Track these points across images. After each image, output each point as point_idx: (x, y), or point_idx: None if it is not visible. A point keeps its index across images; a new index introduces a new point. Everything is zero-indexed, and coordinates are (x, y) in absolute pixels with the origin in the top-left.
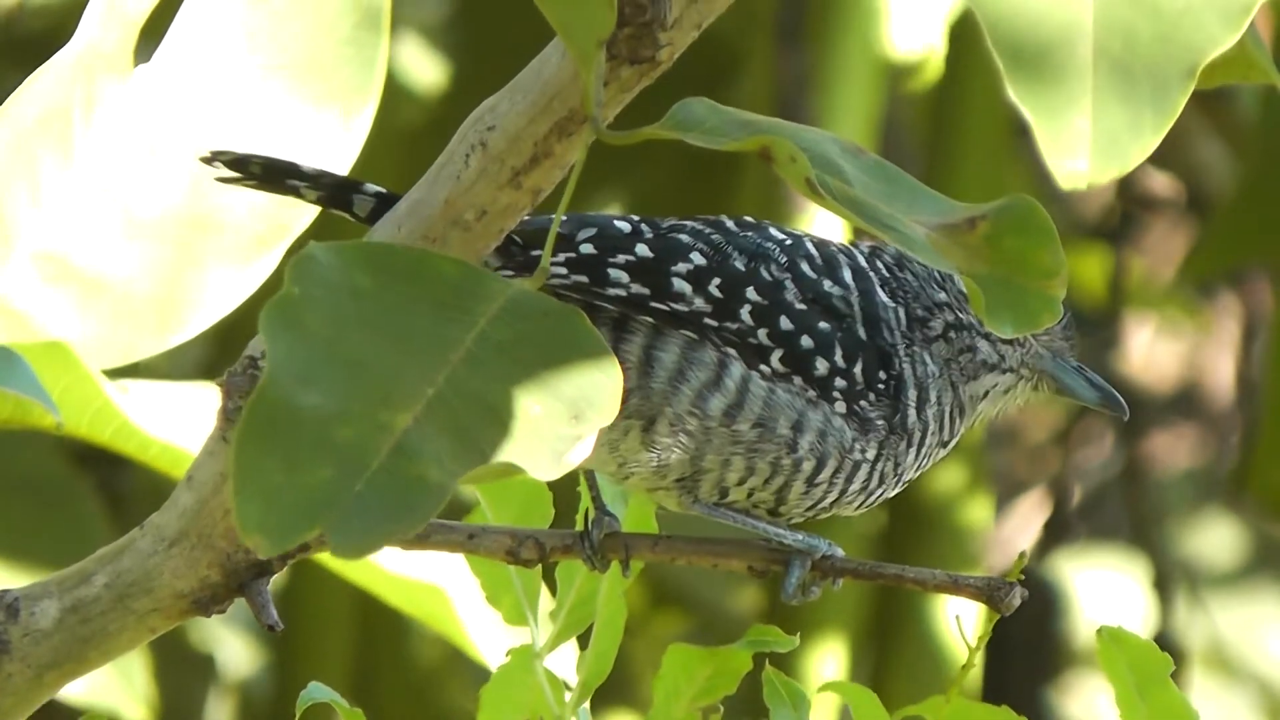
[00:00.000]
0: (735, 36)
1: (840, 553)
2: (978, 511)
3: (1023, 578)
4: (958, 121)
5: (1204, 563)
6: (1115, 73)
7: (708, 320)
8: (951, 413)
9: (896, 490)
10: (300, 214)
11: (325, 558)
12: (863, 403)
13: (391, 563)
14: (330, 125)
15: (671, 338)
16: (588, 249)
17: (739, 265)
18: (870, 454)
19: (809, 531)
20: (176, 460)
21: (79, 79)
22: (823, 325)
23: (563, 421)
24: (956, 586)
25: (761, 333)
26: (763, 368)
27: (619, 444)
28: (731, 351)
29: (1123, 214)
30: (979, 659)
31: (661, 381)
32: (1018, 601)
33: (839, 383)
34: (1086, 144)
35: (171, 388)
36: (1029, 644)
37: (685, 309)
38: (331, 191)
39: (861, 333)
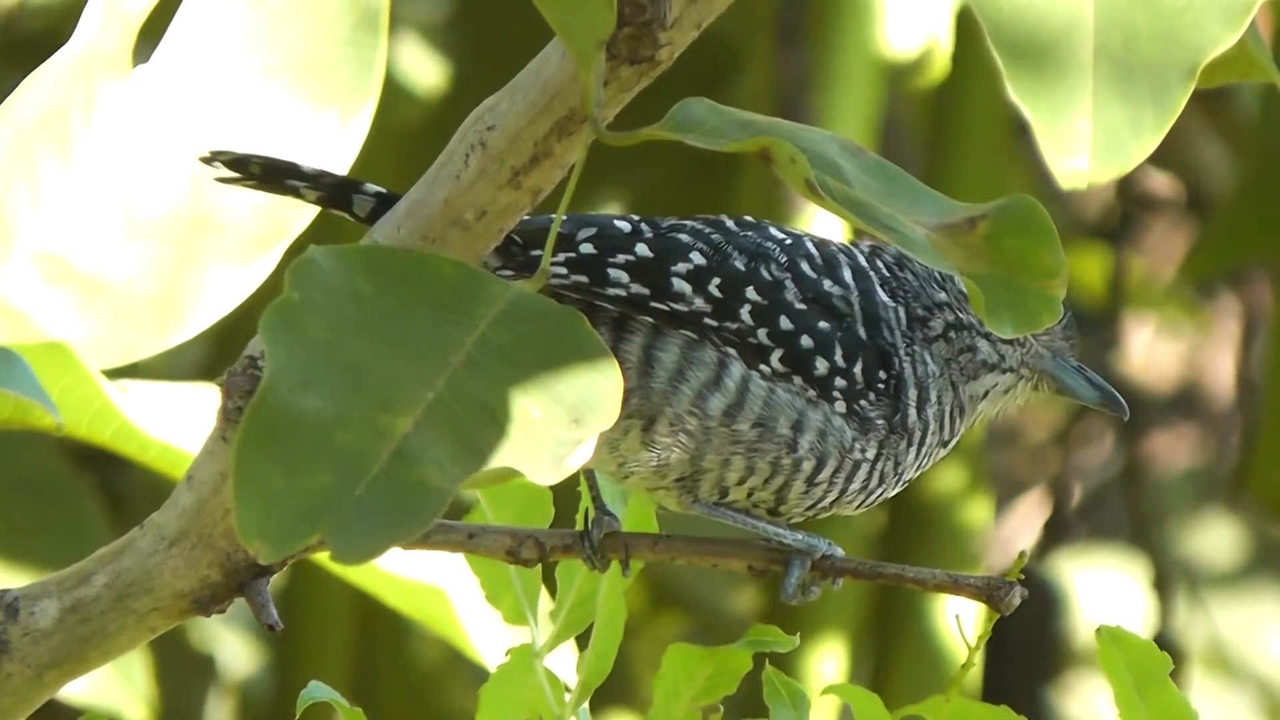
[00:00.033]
0: (735, 36)
1: (840, 552)
2: (978, 511)
3: (1022, 577)
4: (958, 121)
5: (1204, 563)
6: (1116, 72)
7: (708, 320)
8: (952, 412)
9: (897, 490)
10: (299, 214)
11: (325, 559)
12: (863, 402)
13: (391, 564)
14: (329, 125)
15: (671, 337)
16: (587, 249)
17: (739, 265)
18: (870, 453)
19: (809, 531)
20: (176, 460)
21: (78, 79)
22: (823, 325)
23: (563, 425)
24: (956, 586)
25: (761, 332)
26: (763, 367)
27: (619, 443)
28: (731, 351)
29: (1123, 214)
30: (979, 658)
31: (661, 381)
32: (1017, 601)
33: (839, 382)
34: (1087, 143)
35: (171, 388)
36: (1029, 644)
37: (685, 309)
38: (331, 191)
39: (861, 332)
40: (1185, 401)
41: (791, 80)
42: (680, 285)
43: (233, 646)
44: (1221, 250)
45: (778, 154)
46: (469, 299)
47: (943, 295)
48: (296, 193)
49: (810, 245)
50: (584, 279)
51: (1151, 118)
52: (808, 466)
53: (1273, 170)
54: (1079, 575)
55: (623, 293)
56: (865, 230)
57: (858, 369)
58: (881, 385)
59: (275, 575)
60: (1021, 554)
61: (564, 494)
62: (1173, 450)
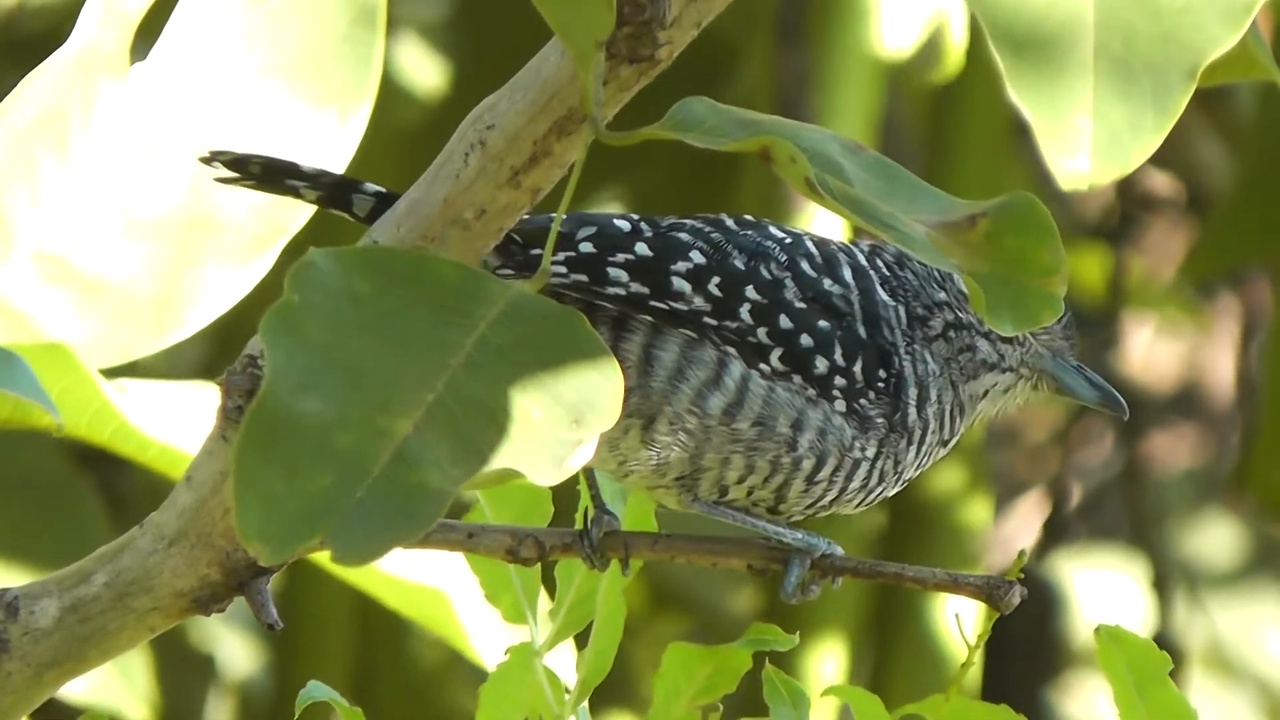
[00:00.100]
0: (734, 35)
1: (839, 551)
2: (977, 511)
3: (1022, 576)
4: (958, 121)
5: (1204, 563)
6: (1116, 72)
7: (707, 319)
8: (951, 411)
9: (896, 489)
10: (297, 213)
11: (325, 559)
12: (862, 401)
13: (391, 565)
14: (326, 123)
15: (671, 336)
16: (587, 248)
17: (738, 264)
18: (870, 452)
19: (808, 530)
20: (175, 460)
21: (76, 78)
22: (822, 324)
23: (563, 426)
24: (956, 585)
25: (761, 331)
26: (762, 366)
27: (619, 442)
28: (731, 350)
29: (1123, 214)
30: (978, 658)
31: (661, 380)
32: (1017, 600)
33: (839, 381)
34: (1087, 144)
35: (170, 387)
36: (1028, 643)
37: (685, 308)
38: (331, 191)
39: (861, 331)
40: (1185, 401)
41: (791, 79)
42: (680, 284)
43: (233, 646)
44: (1221, 250)
45: (778, 153)
46: (469, 299)
47: (942, 294)
48: (296, 193)
49: (810, 244)
50: (584, 278)
51: (1152, 118)
52: (807, 465)
53: (1272, 170)
54: (1078, 575)
55: (622, 292)
56: (865, 229)
57: (857, 368)
58: (881, 384)
59: (275, 575)
60: (1021, 553)
61: (563, 493)
62: (1173, 450)
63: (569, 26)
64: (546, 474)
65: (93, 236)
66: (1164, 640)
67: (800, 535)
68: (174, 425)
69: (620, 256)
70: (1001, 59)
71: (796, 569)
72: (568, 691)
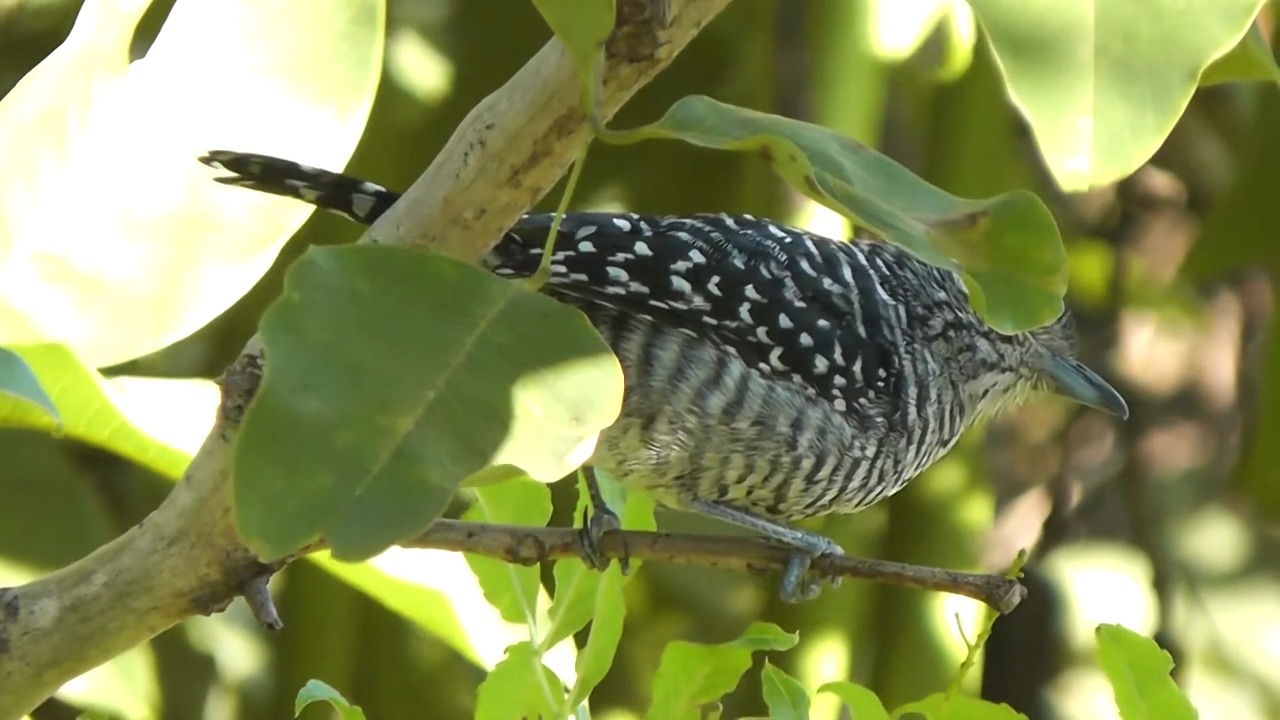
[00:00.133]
0: (734, 34)
1: (839, 551)
2: (977, 511)
3: (1022, 576)
4: (958, 121)
5: (1203, 563)
6: (1117, 73)
7: (707, 318)
8: (951, 411)
9: (896, 488)
10: (296, 213)
11: (325, 559)
12: (862, 400)
13: (391, 565)
14: (325, 121)
15: (671, 336)
16: (587, 247)
17: (738, 263)
18: (870, 451)
19: (808, 529)
20: (175, 460)
21: (75, 78)
22: (822, 323)
23: (563, 423)
24: (956, 585)
25: (761, 331)
26: (762, 365)
27: (618, 441)
28: (731, 349)
29: (1123, 214)
30: (978, 657)
31: (661, 379)
32: (1017, 600)
33: (838, 380)
34: (1088, 144)
35: (170, 386)
36: (1028, 643)
37: (684, 307)
38: (331, 191)
39: (861, 330)
40: (1185, 401)
41: (791, 78)
42: (679, 283)
43: (233, 646)
44: (1221, 250)
45: (777, 152)
46: (469, 298)
47: (942, 294)
48: (296, 192)
49: (810, 243)
50: (583, 277)
51: (1153, 119)
52: (807, 464)
53: (1272, 170)
54: (1078, 575)
55: (622, 291)
56: (865, 227)
57: (857, 367)
58: (881, 383)
59: (275, 575)
60: (1021, 553)
61: (562, 492)
62: (1172, 450)
63: (569, 26)
64: (547, 470)
65: (92, 236)
66: (1164, 640)
67: (800, 535)
68: (174, 425)
69: (620, 256)
70: (1002, 60)
71: (796, 568)
72: (567, 691)
